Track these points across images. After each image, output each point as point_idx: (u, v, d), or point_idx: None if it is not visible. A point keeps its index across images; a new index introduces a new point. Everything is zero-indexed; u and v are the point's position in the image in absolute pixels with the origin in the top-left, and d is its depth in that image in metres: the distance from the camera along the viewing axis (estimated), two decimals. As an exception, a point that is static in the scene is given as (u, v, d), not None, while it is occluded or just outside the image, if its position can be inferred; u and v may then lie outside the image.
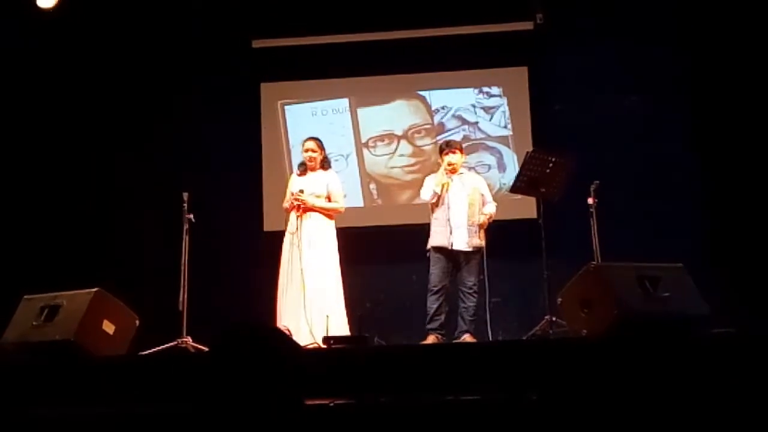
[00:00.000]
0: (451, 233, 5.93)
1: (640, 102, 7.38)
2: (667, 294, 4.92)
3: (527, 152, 6.08)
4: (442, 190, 5.98)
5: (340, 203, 6.10)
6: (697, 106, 7.33)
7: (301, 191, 5.94)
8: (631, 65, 7.38)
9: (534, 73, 7.68)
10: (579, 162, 5.96)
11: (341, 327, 5.83)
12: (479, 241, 5.97)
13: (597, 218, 5.90)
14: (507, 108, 7.71)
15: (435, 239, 6.01)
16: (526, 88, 7.68)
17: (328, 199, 6.05)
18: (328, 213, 6.04)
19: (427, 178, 6.24)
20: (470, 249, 5.93)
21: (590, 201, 5.93)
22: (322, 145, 6.16)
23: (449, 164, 6.03)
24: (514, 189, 6.03)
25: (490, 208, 6.10)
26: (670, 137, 7.30)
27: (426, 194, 6.08)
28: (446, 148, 6.15)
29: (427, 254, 6.06)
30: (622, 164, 7.12)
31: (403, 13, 7.58)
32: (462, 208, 5.99)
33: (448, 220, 5.95)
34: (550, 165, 5.87)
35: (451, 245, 5.92)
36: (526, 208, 6.72)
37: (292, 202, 5.95)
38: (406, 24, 7.64)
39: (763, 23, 6.90)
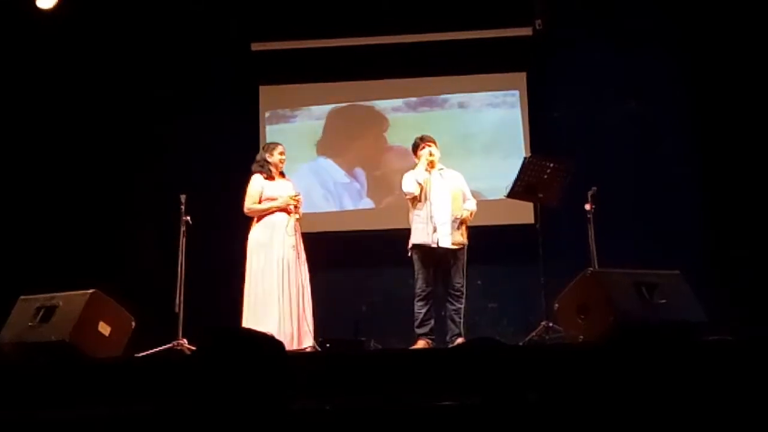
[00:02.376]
0: (434, 231, 5.83)
1: (639, 108, 7.39)
2: (664, 301, 4.92)
3: (525, 157, 6.08)
4: (421, 189, 5.91)
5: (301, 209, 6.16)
6: (696, 113, 7.34)
7: (299, 194, 5.97)
8: (630, 71, 7.39)
9: (532, 79, 7.68)
10: (577, 167, 5.96)
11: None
12: (462, 238, 5.91)
13: (594, 224, 5.89)
14: (510, 110, 7.70)
15: (416, 236, 5.92)
16: (525, 93, 7.68)
17: None
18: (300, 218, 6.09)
19: (405, 174, 6.12)
20: (455, 247, 5.88)
21: (588, 207, 5.92)
22: None
23: (431, 154, 5.97)
24: (512, 194, 6.02)
25: (471, 205, 6.04)
26: (669, 143, 7.31)
27: (410, 186, 5.94)
28: (421, 142, 6.07)
29: (409, 254, 6.00)
30: (620, 170, 7.13)
31: (401, 17, 7.59)
32: (445, 204, 5.91)
33: (431, 216, 5.85)
34: (548, 170, 5.87)
35: (436, 243, 5.83)
36: (524, 213, 6.71)
37: (288, 204, 5.93)
38: (404, 29, 7.66)
39: (763, 28, 6.92)
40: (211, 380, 1.92)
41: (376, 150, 7.85)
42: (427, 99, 7.86)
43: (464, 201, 6.05)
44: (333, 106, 7.92)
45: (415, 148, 6.12)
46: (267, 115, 7.85)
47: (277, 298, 5.78)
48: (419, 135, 6.21)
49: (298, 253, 5.92)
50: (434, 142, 6.09)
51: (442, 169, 6.09)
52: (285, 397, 1.96)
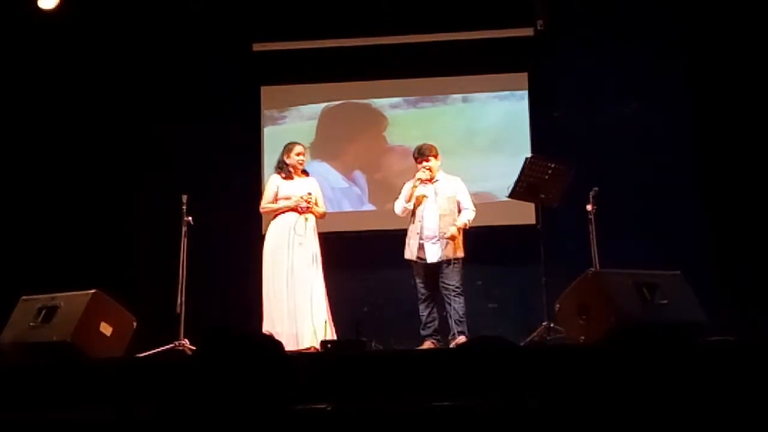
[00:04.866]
0: (421, 247, 5.91)
1: (640, 108, 7.38)
2: (665, 301, 4.92)
3: (526, 158, 6.08)
4: (414, 205, 5.97)
5: (324, 209, 6.19)
6: (696, 112, 7.33)
7: (310, 194, 5.99)
8: (631, 72, 7.39)
9: (534, 79, 7.68)
10: (578, 168, 5.96)
11: (329, 333, 5.87)
12: (453, 253, 5.89)
13: (596, 225, 5.89)
14: (512, 110, 7.70)
15: (406, 252, 6.02)
16: (527, 93, 7.68)
17: (315, 203, 6.11)
18: (318, 216, 6.10)
19: (404, 188, 6.14)
20: (441, 260, 5.89)
21: (589, 207, 5.92)
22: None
23: (419, 180, 5.97)
24: (513, 195, 6.02)
25: (465, 217, 5.99)
26: (670, 144, 7.31)
27: (397, 209, 6.08)
28: (419, 156, 6.04)
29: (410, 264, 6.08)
30: (621, 171, 7.13)
31: (403, 18, 7.59)
32: (433, 222, 5.93)
33: (419, 233, 5.93)
34: (550, 171, 5.87)
35: (422, 258, 5.92)
36: (525, 214, 6.71)
37: (299, 204, 5.95)
38: (406, 29, 7.65)
39: (764, 28, 6.91)
40: (211, 380, 1.93)
41: (376, 151, 7.79)
42: (428, 98, 7.83)
43: (459, 212, 6.02)
44: (327, 107, 7.84)
45: (415, 160, 6.11)
46: (262, 116, 7.80)
47: (284, 297, 5.81)
48: (418, 146, 6.14)
49: (312, 254, 5.94)
50: (433, 155, 6.03)
51: (438, 180, 6.06)
52: (285, 397, 1.96)
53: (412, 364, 4.70)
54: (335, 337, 5.81)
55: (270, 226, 6.07)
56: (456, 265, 5.91)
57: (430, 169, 6.00)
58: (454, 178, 6.18)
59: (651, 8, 7.32)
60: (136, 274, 7.13)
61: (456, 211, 6.02)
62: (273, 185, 6.10)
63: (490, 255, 6.80)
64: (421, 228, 5.93)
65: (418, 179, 5.99)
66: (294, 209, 5.98)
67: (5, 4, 6.78)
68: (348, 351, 5.32)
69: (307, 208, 5.98)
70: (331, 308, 5.99)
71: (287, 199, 6.01)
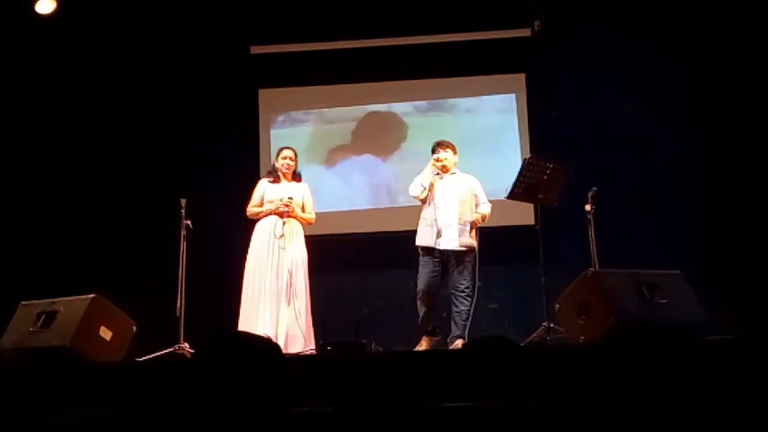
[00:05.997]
0: (438, 233, 5.84)
1: (638, 109, 7.38)
2: (664, 301, 4.92)
3: (525, 158, 6.08)
4: (430, 188, 5.93)
5: (313, 215, 6.15)
6: (695, 112, 7.33)
7: (291, 198, 5.97)
8: (629, 72, 7.39)
9: (532, 80, 7.68)
10: (577, 168, 5.96)
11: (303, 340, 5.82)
12: (470, 240, 5.89)
13: (595, 225, 5.89)
14: (507, 113, 7.70)
15: (421, 239, 5.94)
16: (524, 94, 7.68)
17: (302, 209, 6.08)
18: (304, 222, 6.08)
19: (425, 170, 6.13)
20: (460, 248, 5.85)
21: (588, 207, 5.92)
22: (296, 156, 6.22)
23: (437, 160, 5.98)
24: (512, 195, 6.02)
25: (485, 208, 6.03)
26: (668, 144, 7.31)
27: (414, 189, 5.99)
28: (437, 147, 6.07)
29: (420, 252, 6.01)
30: (619, 171, 7.12)
31: (400, 19, 7.60)
32: (452, 207, 5.90)
33: (435, 219, 5.87)
34: (548, 171, 5.87)
35: (438, 245, 5.84)
36: (524, 214, 6.71)
37: (278, 207, 5.94)
38: (403, 31, 7.66)
39: (762, 31, 6.91)
40: (210, 382, 1.93)
41: (374, 153, 7.80)
42: (426, 100, 7.84)
43: (477, 205, 6.03)
44: (325, 109, 7.86)
45: (432, 151, 6.11)
46: (261, 119, 7.81)
47: (261, 301, 5.78)
48: (438, 140, 6.17)
49: (294, 259, 5.90)
50: (450, 147, 6.06)
51: (455, 173, 6.08)
52: (284, 399, 1.96)
53: (412, 365, 4.70)
54: (312, 345, 5.77)
55: (254, 229, 6.04)
56: (468, 262, 5.88)
57: (442, 160, 6.00)
58: (470, 176, 6.19)
59: (650, 7, 7.32)
60: (135, 278, 7.13)
61: (473, 202, 6.02)
62: (260, 189, 6.12)
63: (490, 256, 6.76)
64: (437, 214, 5.89)
65: (436, 160, 5.99)
66: (275, 212, 5.97)
67: (3, 9, 6.79)
68: (347, 353, 5.31)
69: (284, 212, 5.95)
70: (330, 310, 5.98)
71: (271, 202, 6.00)
